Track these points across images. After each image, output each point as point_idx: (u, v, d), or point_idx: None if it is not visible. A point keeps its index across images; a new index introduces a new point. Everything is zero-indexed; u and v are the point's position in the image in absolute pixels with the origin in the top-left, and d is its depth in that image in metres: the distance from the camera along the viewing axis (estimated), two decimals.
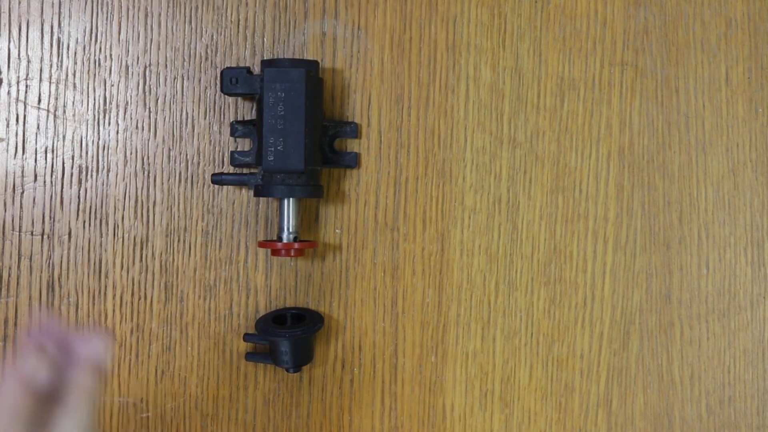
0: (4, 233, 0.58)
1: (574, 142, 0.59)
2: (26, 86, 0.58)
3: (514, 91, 0.59)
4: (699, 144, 0.60)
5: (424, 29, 0.59)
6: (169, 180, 0.58)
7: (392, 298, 0.59)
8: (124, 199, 0.58)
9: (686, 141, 0.60)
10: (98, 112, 0.58)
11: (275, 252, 0.56)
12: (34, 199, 0.58)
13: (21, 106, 0.58)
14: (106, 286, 0.58)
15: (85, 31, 0.58)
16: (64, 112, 0.58)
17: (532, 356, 0.59)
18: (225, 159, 0.58)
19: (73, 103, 0.58)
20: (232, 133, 0.58)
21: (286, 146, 0.54)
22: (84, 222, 0.58)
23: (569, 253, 0.59)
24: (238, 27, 0.59)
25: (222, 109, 0.59)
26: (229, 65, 0.58)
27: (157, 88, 0.59)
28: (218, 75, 0.58)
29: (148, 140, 0.58)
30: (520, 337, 0.59)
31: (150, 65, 0.59)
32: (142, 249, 0.58)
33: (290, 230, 0.56)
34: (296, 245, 0.55)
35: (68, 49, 0.58)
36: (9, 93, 0.58)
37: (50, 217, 0.58)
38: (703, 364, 0.59)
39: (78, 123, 0.58)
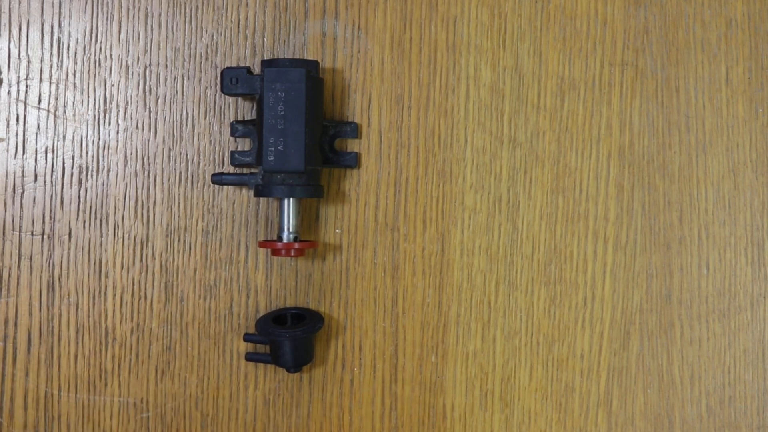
0: (4, 233, 0.58)
1: (575, 142, 0.59)
2: (26, 86, 0.58)
3: (515, 91, 0.59)
4: (699, 144, 0.60)
5: (424, 29, 0.59)
6: (169, 180, 0.58)
7: (392, 298, 0.59)
8: (125, 199, 0.58)
9: (686, 141, 0.60)
10: (98, 112, 0.58)
11: (275, 252, 0.56)
12: (34, 199, 0.58)
13: (21, 106, 0.58)
14: (106, 286, 0.58)
15: (85, 31, 0.58)
16: (65, 112, 0.58)
17: (533, 356, 0.59)
18: (225, 159, 0.58)
19: (74, 103, 0.58)
20: (232, 133, 0.58)
21: (286, 146, 0.54)
22: (84, 222, 0.58)
23: (569, 253, 0.59)
24: (239, 27, 0.59)
25: (222, 109, 0.59)
26: (229, 65, 0.58)
27: (157, 88, 0.59)
28: (218, 75, 0.58)
29: (149, 140, 0.59)
30: (520, 337, 0.59)
31: (150, 65, 0.59)
32: (142, 249, 0.58)
33: (290, 230, 0.56)
34: (296, 245, 0.55)
35: (68, 49, 0.58)
36: (9, 93, 0.58)
37: (50, 217, 0.58)
38: (703, 364, 0.59)
39: (78, 123, 0.58)
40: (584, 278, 0.59)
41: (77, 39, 0.58)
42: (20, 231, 0.58)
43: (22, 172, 0.58)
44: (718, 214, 0.59)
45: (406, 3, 0.59)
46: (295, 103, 0.54)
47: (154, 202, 0.58)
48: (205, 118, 0.59)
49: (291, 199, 0.56)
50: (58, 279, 0.58)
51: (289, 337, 0.55)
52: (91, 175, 0.58)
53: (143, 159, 0.58)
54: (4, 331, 0.58)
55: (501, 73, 0.59)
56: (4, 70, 0.58)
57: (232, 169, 0.58)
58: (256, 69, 0.58)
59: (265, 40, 0.59)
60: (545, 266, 0.59)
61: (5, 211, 0.58)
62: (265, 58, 0.58)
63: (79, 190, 0.58)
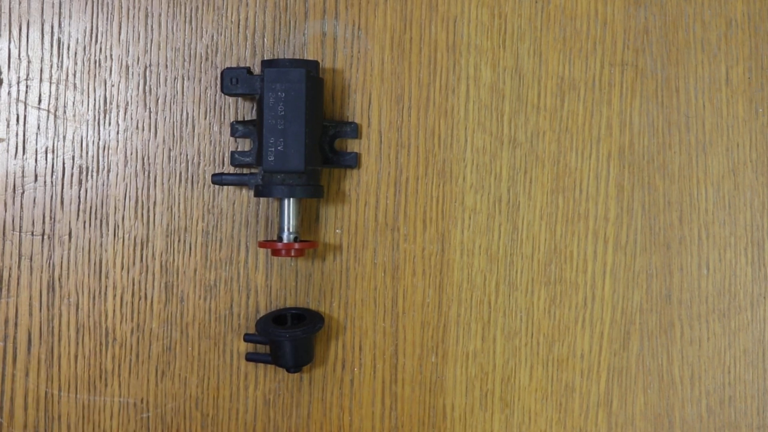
0: (4, 233, 0.58)
1: (575, 142, 0.59)
2: (26, 86, 0.58)
3: (515, 91, 0.59)
4: (699, 144, 0.60)
5: (424, 29, 0.59)
6: (169, 180, 0.58)
7: (392, 298, 0.59)
8: (125, 199, 0.58)
9: (686, 141, 0.60)
10: (98, 112, 0.59)
11: (275, 252, 0.56)
12: (34, 200, 0.58)
13: (21, 106, 0.58)
14: (106, 287, 0.58)
15: (85, 32, 0.59)
16: (65, 112, 0.58)
17: (533, 356, 0.59)
18: (225, 159, 0.58)
19: (74, 103, 0.58)
20: (233, 133, 0.58)
21: (286, 146, 0.54)
22: (84, 222, 0.58)
23: (569, 253, 0.59)
24: (239, 27, 0.59)
25: (222, 109, 0.59)
26: (229, 65, 0.58)
27: (157, 88, 0.59)
28: (218, 75, 0.58)
29: (149, 140, 0.59)
30: (520, 338, 0.59)
31: (150, 65, 0.59)
32: (142, 249, 0.58)
33: (290, 230, 0.56)
34: (296, 245, 0.56)
35: (68, 49, 0.58)
36: (9, 93, 0.58)
37: (50, 218, 0.58)
38: (703, 364, 0.59)
39: (78, 123, 0.58)
40: (584, 278, 0.59)
41: (77, 39, 0.58)
42: (20, 231, 0.58)
43: (22, 172, 0.58)
44: (718, 214, 0.59)
45: (406, 3, 0.59)
46: (295, 103, 0.54)
47: (154, 203, 0.58)
48: (205, 118, 0.59)
49: (291, 199, 0.56)
50: (58, 279, 0.58)
51: (289, 337, 0.55)
52: (91, 176, 0.58)
53: (143, 159, 0.58)
54: (4, 331, 0.58)
55: (501, 73, 0.59)
56: (4, 70, 0.58)
57: (232, 170, 0.58)
58: (256, 69, 0.58)
59: (265, 40, 0.59)
60: (545, 266, 0.59)
61: (5, 211, 0.58)
62: (265, 58, 0.58)
63: (79, 191, 0.58)
